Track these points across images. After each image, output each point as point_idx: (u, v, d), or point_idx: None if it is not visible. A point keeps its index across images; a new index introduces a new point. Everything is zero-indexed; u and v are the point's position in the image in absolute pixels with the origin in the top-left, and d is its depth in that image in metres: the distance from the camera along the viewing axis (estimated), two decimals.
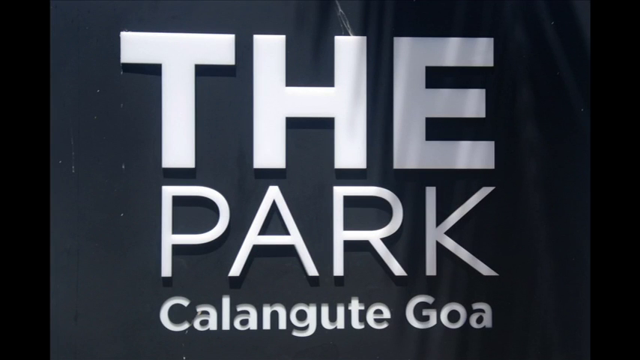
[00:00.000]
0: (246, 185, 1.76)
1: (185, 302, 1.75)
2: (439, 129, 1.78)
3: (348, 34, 1.76)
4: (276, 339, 1.77)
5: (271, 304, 1.77)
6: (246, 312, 1.77)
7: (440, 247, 1.79)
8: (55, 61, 1.70)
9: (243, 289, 1.76)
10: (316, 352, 1.78)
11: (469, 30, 1.79)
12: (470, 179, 1.80)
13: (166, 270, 1.74)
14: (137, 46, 1.72)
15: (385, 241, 1.78)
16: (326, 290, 1.78)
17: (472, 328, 1.81)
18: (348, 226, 1.78)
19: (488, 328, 1.81)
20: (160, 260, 1.73)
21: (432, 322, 1.80)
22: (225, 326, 1.76)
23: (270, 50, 1.75)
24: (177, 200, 1.74)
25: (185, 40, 1.73)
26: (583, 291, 1.81)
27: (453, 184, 1.79)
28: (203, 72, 1.74)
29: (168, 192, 1.73)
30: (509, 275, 1.81)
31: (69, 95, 1.72)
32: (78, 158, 1.72)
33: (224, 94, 1.75)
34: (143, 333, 1.75)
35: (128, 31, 1.72)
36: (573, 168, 1.81)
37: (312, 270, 1.77)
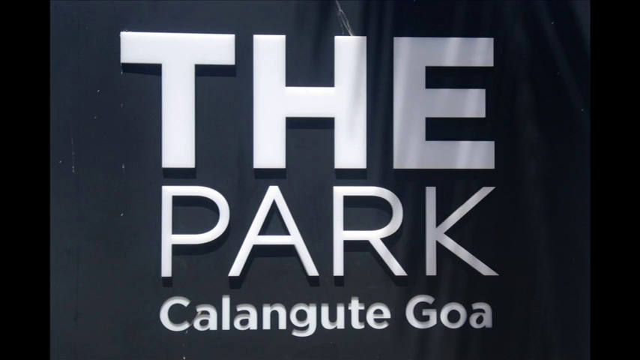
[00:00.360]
0: (246, 185, 1.76)
1: (185, 302, 1.75)
2: (439, 129, 1.78)
3: (348, 34, 1.76)
4: (276, 339, 1.77)
5: (271, 304, 1.77)
6: (246, 312, 1.77)
7: (440, 247, 1.79)
8: (55, 61, 1.70)
9: (243, 289, 1.76)
10: (316, 352, 1.78)
11: (469, 30, 1.79)
12: (470, 179, 1.80)
13: (166, 270, 1.74)
14: (137, 46, 1.72)
15: (385, 241, 1.78)
16: (326, 290, 1.78)
17: (472, 328, 1.81)
18: (348, 226, 1.78)
19: (489, 328, 1.81)
20: (160, 260, 1.73)
21: (432, 322, 1.80)
22: (225, 326, 1.76)
23: (270, 50, 1.75)
24: (177, 200, 1.74)
25: (185, 40, 1.73)
26: (583, 291, 1.81)
27: (453, 184, 1.79)
28: (203, 72, 1.74)
29: (168, 192, 1.73)
30: (509, 275, 1.81)
31: (69, 95, 1.72)
32: (78, 158, 1.72)
33: (224, 94, 1.75)
34: (143, 333, 1.75)
35: (128, 31, 1.72)
36: (573, 168, 1.81)
37: (312, 270, 1.77)
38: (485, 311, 1.81)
